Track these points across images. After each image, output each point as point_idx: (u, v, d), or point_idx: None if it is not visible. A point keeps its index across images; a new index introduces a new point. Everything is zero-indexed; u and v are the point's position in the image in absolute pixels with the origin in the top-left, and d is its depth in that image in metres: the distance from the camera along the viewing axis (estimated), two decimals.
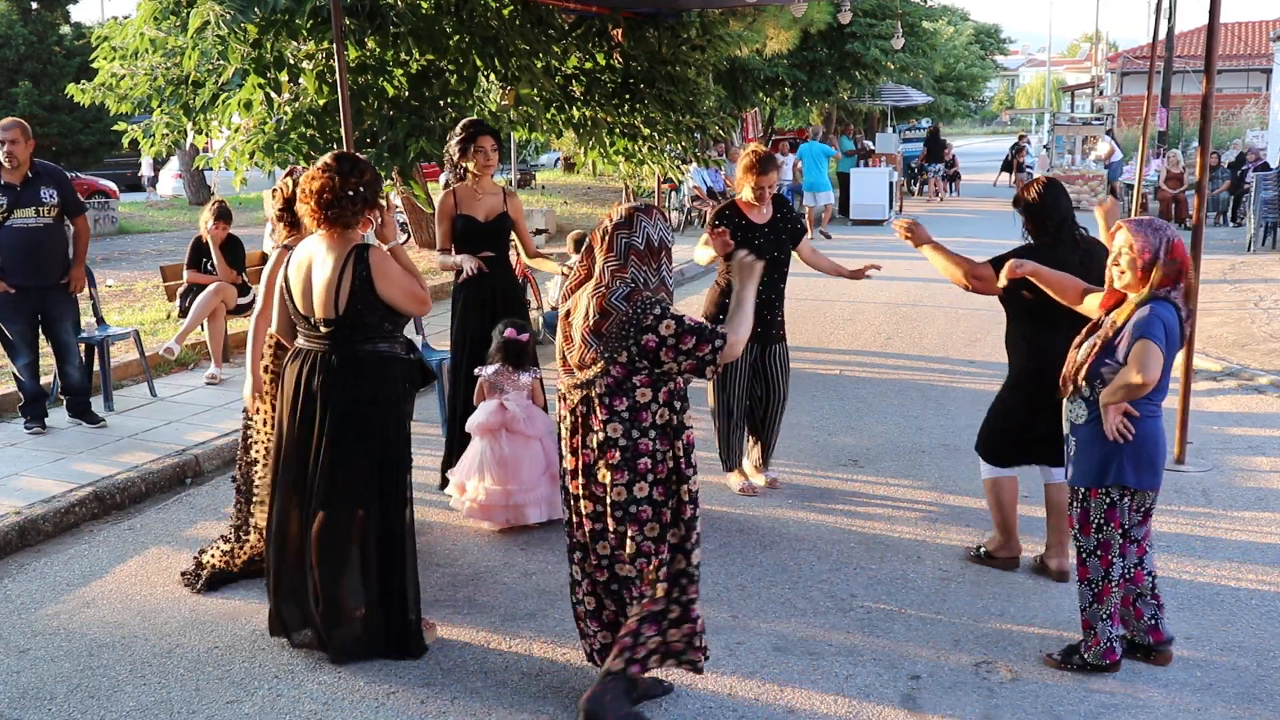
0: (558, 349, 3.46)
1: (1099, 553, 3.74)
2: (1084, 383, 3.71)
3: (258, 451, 4.56)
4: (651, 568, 3.38)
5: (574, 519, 3.50)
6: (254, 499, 4.63)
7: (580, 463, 3.40)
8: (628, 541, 3.36)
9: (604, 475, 3.34)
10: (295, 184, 4.62)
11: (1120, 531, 3.72)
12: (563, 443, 3.50)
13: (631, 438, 3.31)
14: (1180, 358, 6.30)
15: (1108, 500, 3.71)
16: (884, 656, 3.95)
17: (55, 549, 5.10)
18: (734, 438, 5.69)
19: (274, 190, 4.72)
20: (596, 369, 3.29)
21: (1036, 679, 3.79)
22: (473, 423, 5.17)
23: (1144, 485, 3.70)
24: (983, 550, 4.78)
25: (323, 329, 3.75)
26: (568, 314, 3.41)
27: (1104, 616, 3.76)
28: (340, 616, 3.91)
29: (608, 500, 3.36)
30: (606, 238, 3.35)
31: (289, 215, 4.63)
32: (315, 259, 3.76)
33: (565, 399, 3.44)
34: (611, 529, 3.38)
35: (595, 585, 3.52)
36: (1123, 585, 3.79)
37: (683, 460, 3.38)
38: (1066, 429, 3.85)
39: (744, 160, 5.52)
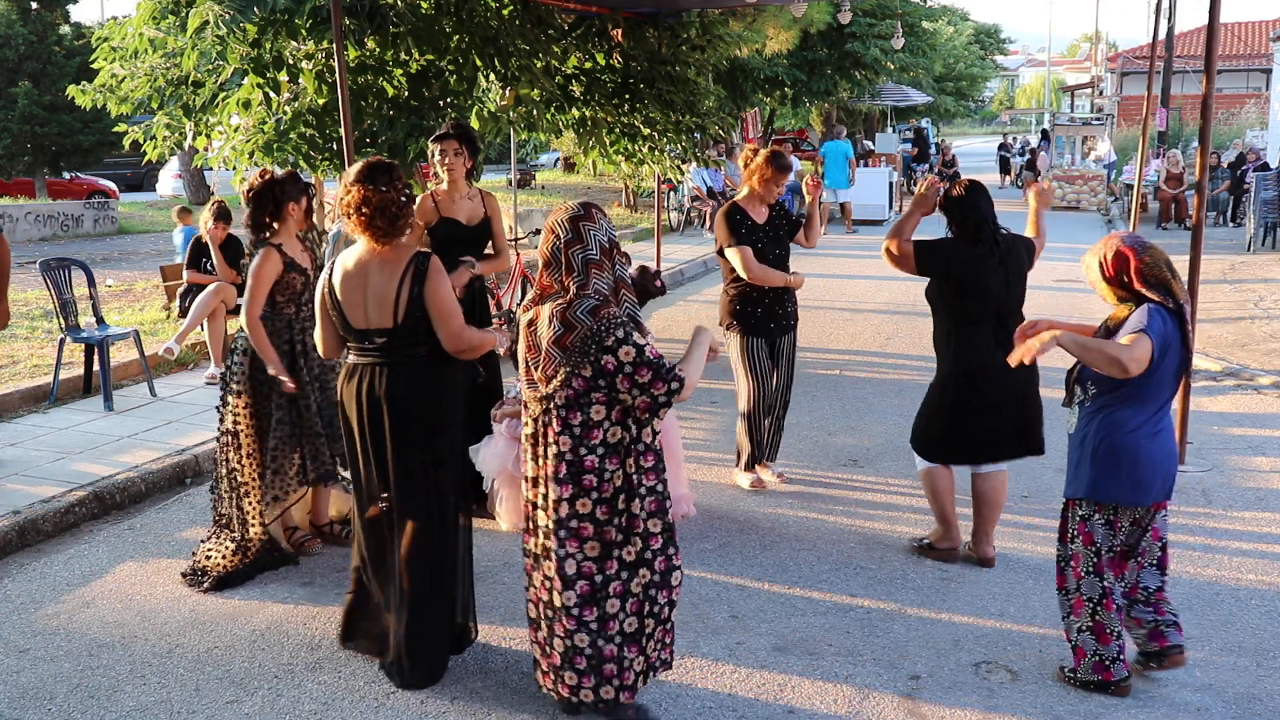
0: (520, 358, 3.41)
1: (1071, 564, 3.71)
2: (1076, 387, 3.68)
3: (245, 440, 4.62)
4: (588, 592, 3.31)
5: (529, 525, 3.47)
6: (242, 491, 4.66)
7: (541, 472, 3.37)
8: (569, 561, 3.30)
9: (552, 489, 3.31)
10: (263, 182, 4.61)
11: (1094, 549, 3.65)
12: (525, 450, 3.46)
13: (578, 454, 3.26)
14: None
15: (1080, 513, 3.67)
16: (884, 656, 3.95)
17: (55, 549, 5.10)
18: (757, 431, 5.70)
19: (245, 193, 4.65)
20: (558, 381, 3.23)
21: (1036, 679, 3.79)
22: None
23: (1121, 501, 3.59)
24: (925, 541, 4.88)
25: (378, 339, 3.66)
26: (531, 324, 3.33)
27: (1082, 629, 3.69)
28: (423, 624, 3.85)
29: (553, 516, 3.31)
30: (561, 256, 3.26)
31: (257, 218, 4.59)
32: (371, 270, 3.64)
33: (528, 406, 3.41)
34: (554, 546, 3.32)
35: (537, 601, 3.47)
36: (1109, 604, 3.67)
37: (634, 477, 3.30)
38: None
39: (760, 157, 5.47)
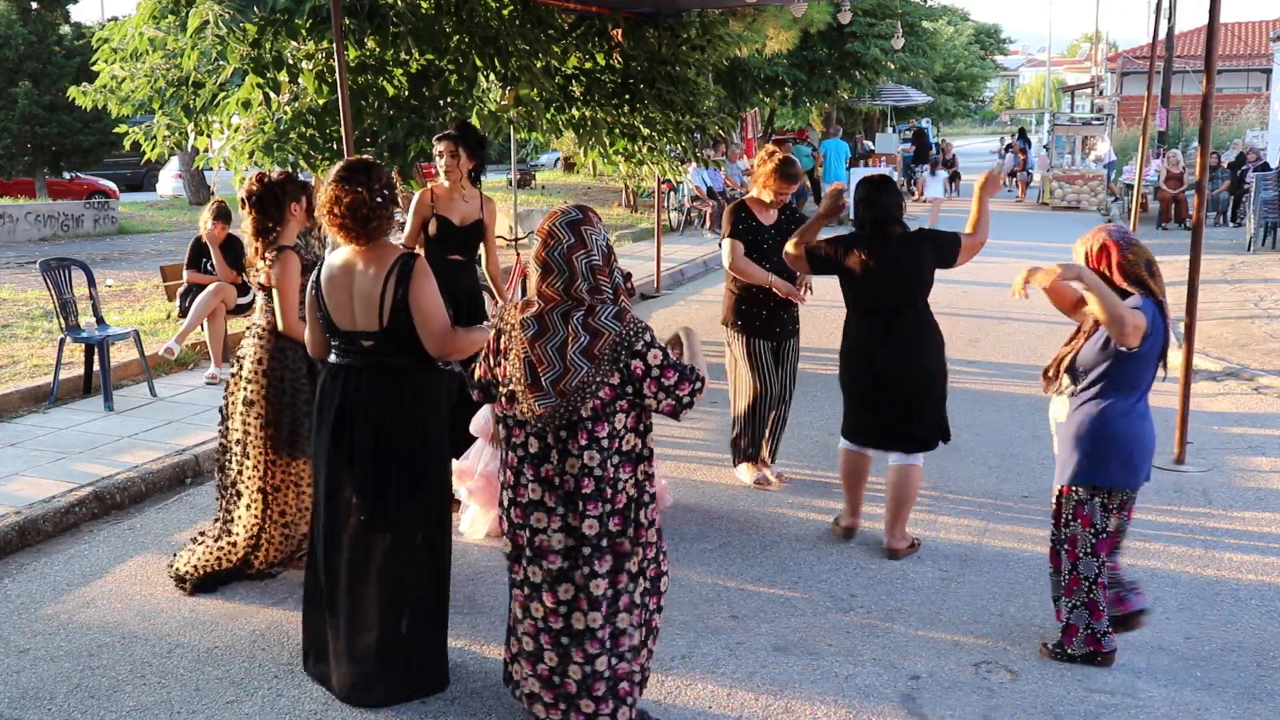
0: (513, 373, 3.21)
1: (1067, 546, 3.87)
2: (1065, 376, 3.84)
3: (254, 451, 4.55)
4: (608, 611, 3.23)
5: (528, 552, 3.26)
6: (231, 496, 4.62)
7: (560, 492, 3.19)
8: (595, 581, 3.19)
9: (579, 506, 3.16)
10: (263, 185, 4.50)
11: (1092, 530, 3.81)
12: (515, 471, 3.25)
13: (605, 467, 3.15)
14: (1180, 357, 6.33)
15: (1075, 498, 3.82)
16: (884, 656, 3.95)
17: (55, 549, 5.10)
18: (758, 428, 5.72)
19: (243, 199, 4.53)
20: (586, 392, 3.10)
21: (1036, 679, 3.79)
22: (476, 424, 5.17)
23: (1115, 484, 3.77)
24: (836, 516, 5.18)
25: (364, 343, 3.59)
26: (535, 337, 3.16)
27: (1076, 606, 3.86)
28: (364, 635, 3.75)
29: (582, 532, 3.17)
30: (565, 262, 3.13)
31: (262, 223, 4.48)
32: (356, 271, 3.58)
33: (526, 424, 3.21)
34: (581, 562, 3.19)
35: (540, 631, 3.30)
36: (1102, 583, 3.86)
37: (643, 484, 3.24)
38: (1052, 426, 3.98)
39: (768, 164, 5.47)
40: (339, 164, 3.65)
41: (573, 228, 3.17)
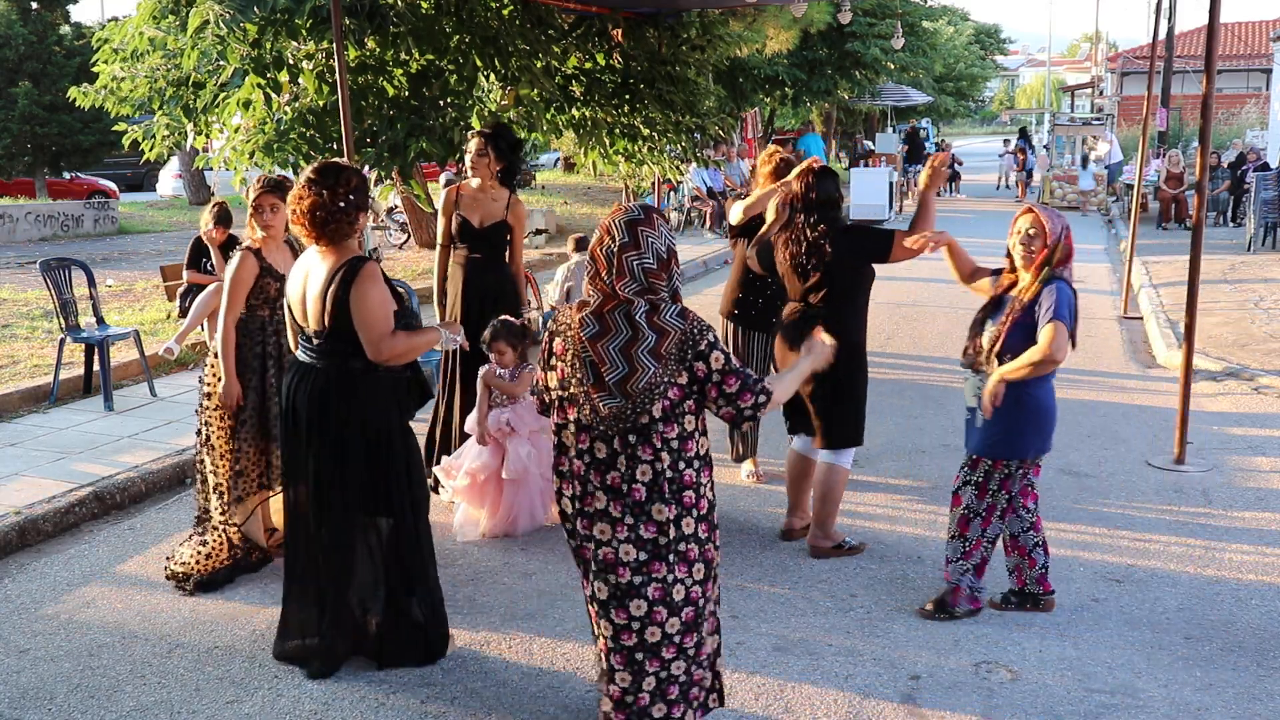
0: (571, 375, 3.07)
1: (983, 514, 4.14)
2: (997, 360, 4.00)
3: (218, 441, 4.60)
4: (693, 617, 3.09)
5: (593, 566, 3.11)
6: (216, 493, 4.65)
7: (628, 500, 3.02)
8: (678, 586, 3.05)
9: (659, 512, 3.01)
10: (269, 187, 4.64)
11: (1006, 496, 4.13)
12: (582, 480, 3.09)
13: (678, 469, 3.01)
14: (1180, 357, 6.33)
15: (1007, 471, 4.09)
16: (884, 656, 3.95)
17: (55, 549, 5.10)
18: (755, 425, 5.78)
19: (248, 191, 4.72)
20: (655, 393, 2.96)
21: (1036, 679, 3.79)
22: (471, 424, 5.17)
23: (1044, 452, 4.12)
24: None
25: (315, 341, 3.71)
26: (595, 337, 3.02)
27: (968, 570, 4.18)
28: (345, 624, 3.89)
29: (659, 542, 3.03)
30: (615, 260, 3.02)
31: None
32: (312, 270, 3.71)
33: (591, 428, 3.05)
34: (661, 574, 3.04)
35: (611, 651, 3.13)
36: (1013, 545, 4.24)
37: (713, 487, 3.17)
38: (973, 403, 4.14)
39: (768, 165, 5.56)
40: (313, 165, 3.75)
41: (629, 227, 3.05)
